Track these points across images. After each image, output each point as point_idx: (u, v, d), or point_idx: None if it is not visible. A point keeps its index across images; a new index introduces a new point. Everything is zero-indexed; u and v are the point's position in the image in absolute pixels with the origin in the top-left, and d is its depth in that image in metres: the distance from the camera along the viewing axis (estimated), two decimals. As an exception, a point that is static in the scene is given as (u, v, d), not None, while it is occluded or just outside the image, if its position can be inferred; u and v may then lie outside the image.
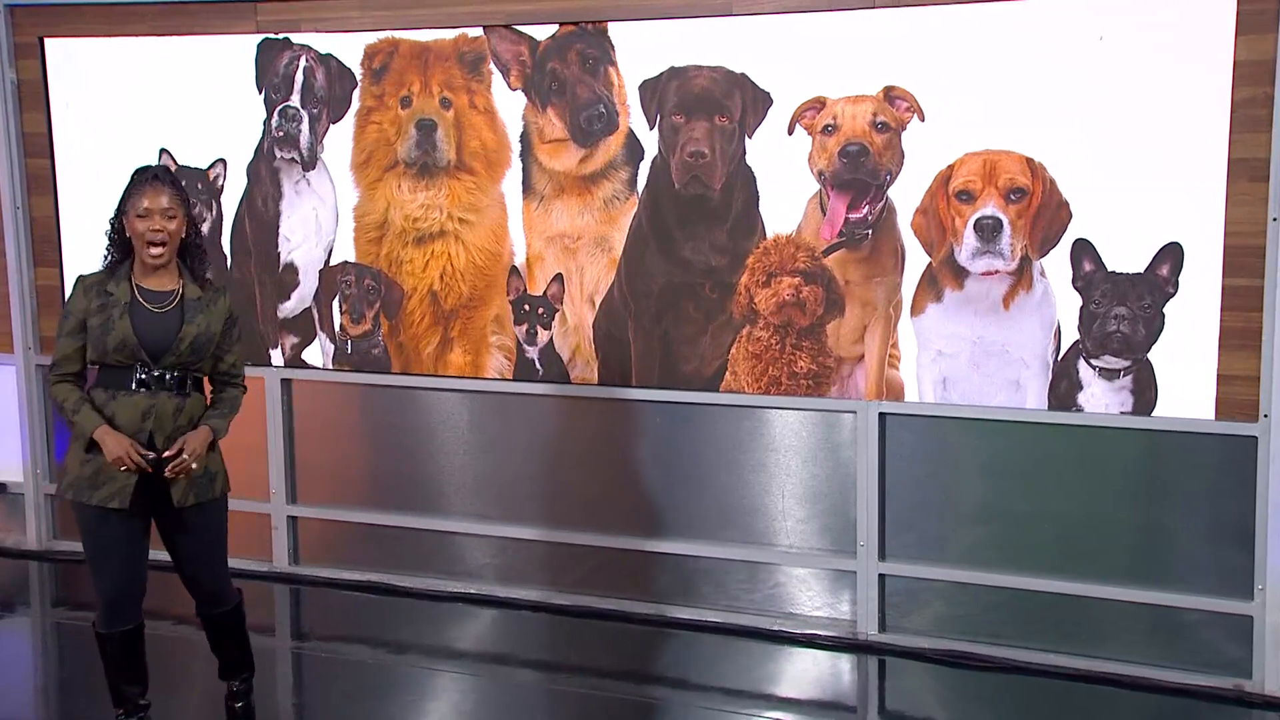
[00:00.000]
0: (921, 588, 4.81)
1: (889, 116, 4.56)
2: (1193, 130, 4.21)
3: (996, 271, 4.50)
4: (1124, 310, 4.36)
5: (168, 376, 3.74)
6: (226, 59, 5.39)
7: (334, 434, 5.60)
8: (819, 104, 4.64)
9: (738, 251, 4.82)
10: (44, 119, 5.68)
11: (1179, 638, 4.47)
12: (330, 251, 5.41)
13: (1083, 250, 4.40)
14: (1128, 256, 4.35)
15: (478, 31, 5.05)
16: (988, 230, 4.47)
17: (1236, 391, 4.28)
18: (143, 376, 3.72)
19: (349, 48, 5.24)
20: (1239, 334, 4.25)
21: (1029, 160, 4.41)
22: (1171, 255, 4.30)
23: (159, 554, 3.87)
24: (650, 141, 4.87)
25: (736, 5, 4.69)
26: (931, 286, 4.61)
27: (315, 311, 5.47)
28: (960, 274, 4.55)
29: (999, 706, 4.46)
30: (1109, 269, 4.38)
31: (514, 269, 5.15)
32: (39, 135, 5.70)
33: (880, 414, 4.73)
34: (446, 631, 5.13)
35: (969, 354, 4.59)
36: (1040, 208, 4.41)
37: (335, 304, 5.43)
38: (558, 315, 5.12)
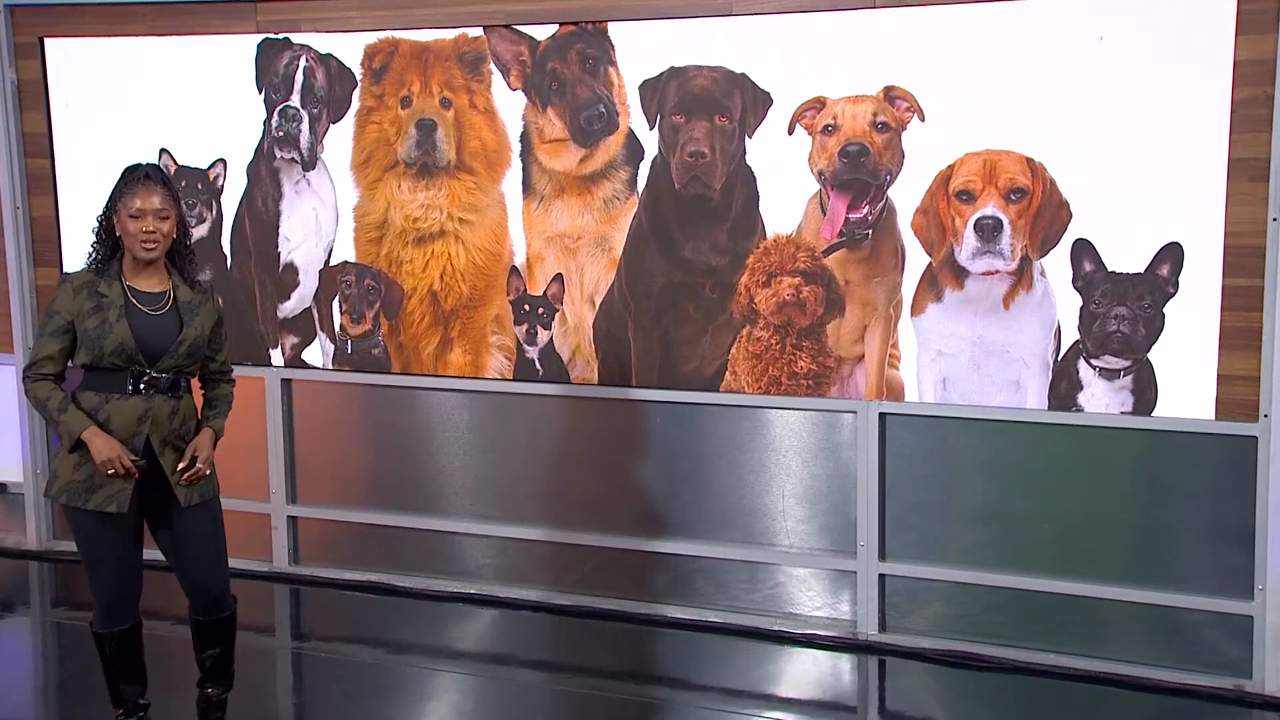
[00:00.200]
0: (922, 588, 4.81)
1: (889, 116, 4.56)
2: (1193, 130, 4.21)
3: (997, 271, 4.50)
4: (1124, 310, 4.36)
5: (163, 379, 3.70)
6: (226, 59, 5.39)
7: (334, 434, 5.60)
8: (819, 104, 4.64)
9: (738, 251, 4.82)
10: (44, 119, 5.68)
11: (1179, 638, 4.47)
12: (330, 251, 5.41)
13: (1083, 250, 4.40)
14: (1128, 256, 4.35)
15: (478, 31, 5.05)
16: (988, 230, 4.47)
17: (1237, 391, 4.28)
18: (138, 380, 3.68)
19: (349, 48, 5.24)
20: (1239, 334, 4.25)
21: (1029, 160, 4.41)
22: (1172, 255, 4.30)
23: (151, 553, 3.84)
24: (650, 141, 4.87)
25: (737, 5, 4.69)
26: (932, 286, 4.61)
27: (315, 311, 5.47)
28: (960, 274, 4.55)
29: (999, 707, 4.45)
30: (1109, 269, 4.37)
31: (514, 269, 5.15)
32: (39, 135, 5.70)
33: (880, 414, 4.73)
34: (446, 632, 5.13)
35: (969, 354, 4.59)
36: (1040, 208, 4.41)
37: (335, 304, 5.43)
38: (558, 315, 5.12)
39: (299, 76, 5.32)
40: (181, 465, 3.71)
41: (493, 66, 5.05)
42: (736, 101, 4.73)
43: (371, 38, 5.19)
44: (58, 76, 5.64)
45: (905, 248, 4.62)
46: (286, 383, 5.57)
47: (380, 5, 5.16)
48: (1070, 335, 4.45)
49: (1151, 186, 4.28)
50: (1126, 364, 4.40)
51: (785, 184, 4.72)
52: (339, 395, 5.55)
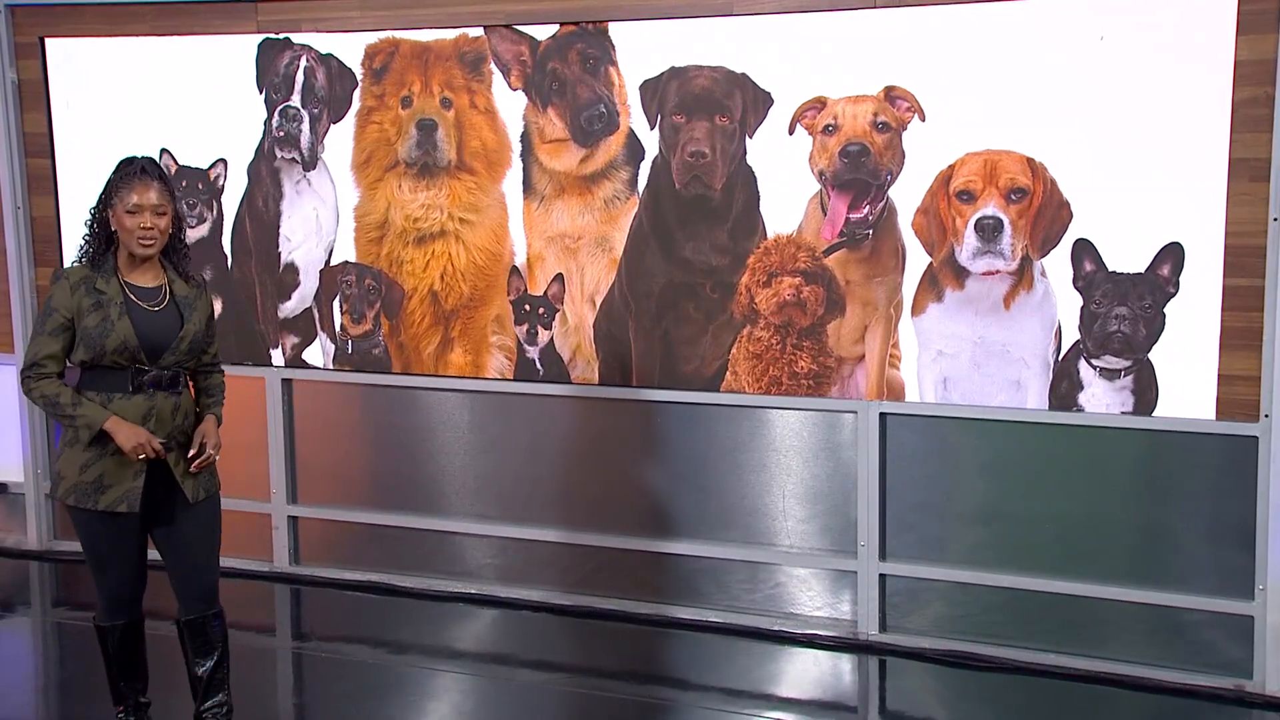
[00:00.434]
0: (922, 588, 4.81)
1: (890, 116, 4.56)
2: (1193, 130, 4.20)
3: (997, 271, 4.50)
4: (1125, 310, 4.36)
5: (164, 376, 3.67)
6: (227, 59, 5.39)
7: (334, 434, 5.60)
8: (820, 104, 4.63)
9: (738, 251, 4.82)
10: (45, 119, 5.68)
11: (1180, 638, 4.47)
12: (331, 251, 5.41)
13: (1083, 250, 4.39)
14: (1128, 256, 4.35)
15: (478, 31, 5.05)
16: (988, 230, 4.47)
17: (1237, 391, 4.28)
18: (140, 378, 3.64)
19: (349, 48, 5.24)
20: (1240, 334, 4.25)
21: (1030, 160, 4.41)
22: (1172, 255, 4.30)
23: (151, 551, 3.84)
24: (651, 141, 4.87)
25: (737, 5, 4.69)
26: (932, 286, 4.61)
27: (316, 311, 5.47)
28: (961, 274, 4.55)
29: (1000, 707, 4.45)
30: (1110, 269, 4.37)
31: (514, 269, 5.15)
32: (39, 135, 5.70)
33: (881, 414, 4.73)
34: (447, 631, 5.13)
35: (970, 354, 4.59)
36: (1041, 208, 4.41)
37: (336, 304, 5.43)
38: (558, 315, 5.12)
39: (299, 76, 5.32)
40: (191, 453, 3.69)
41: (493, 66, 5.05)
42: (737, 101, 4.73)
43: (372, 38, 5.20)
44: (58, 76, 5.64)
45: (906, 248, 4.62)
46: (287, 383, 5.57)
47: (381, 5, 5.16)
48: (1071, 335, 4.45)
49: (1152, 186, 4.28)
50: (1127, 364, 4.40)
51: (786, 184, 4.72)
52: (339, 395, 5.55)
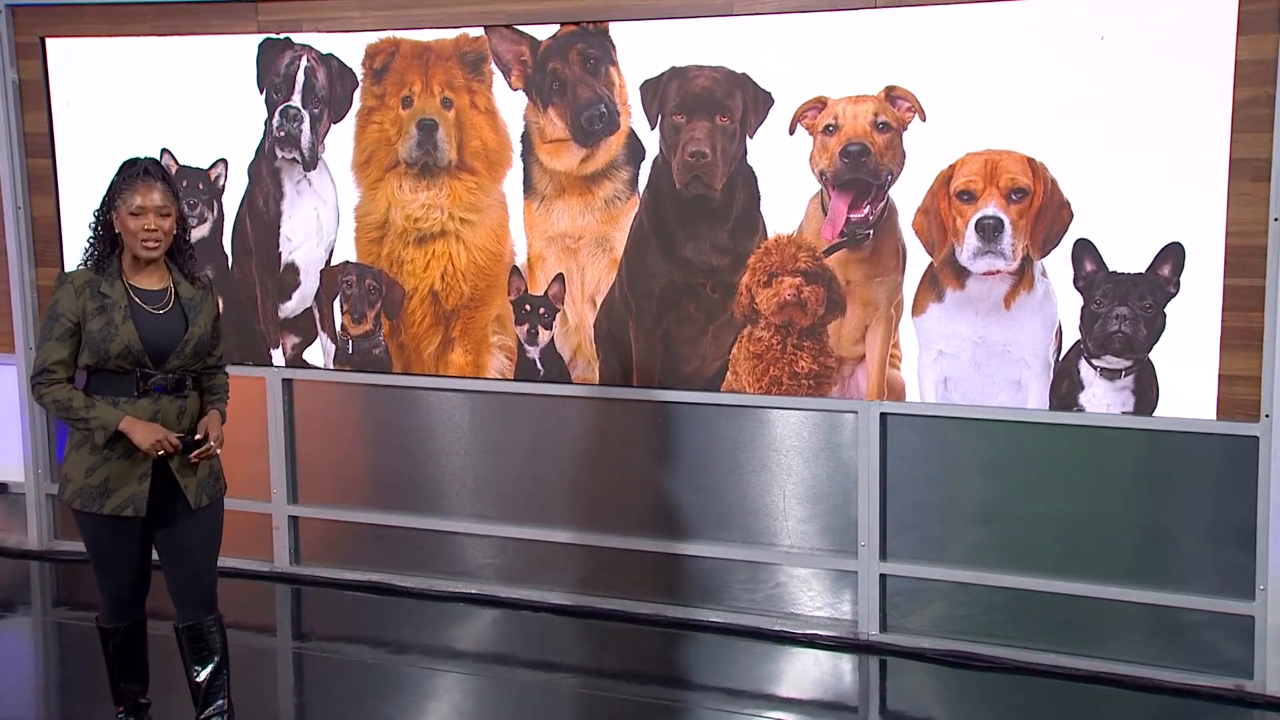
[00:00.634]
0: (923, 588, 4.81)
1: (890, 116, 4.56)
2: (1194, 130, 4.20)
3: (998, 271, 4.50)
4: (1125, 310, 4.36)
5: (170, 380, 3.65)
6: (227, 59, 5.39)
7: (335, 434, 5.60)
8: (820, 104, 4.63)
9: (739, 251, 4.82)
10: (45, 119, 5.68)
11: (1180, 638, 4.47)
12: (331, 251, 5.41)
13: (1084, 250, 4.39)
14: (1129, 256, 4.35)
15: (479, 31, 5.05)
16: (989, 230, 4.47)
17: (1238, 391, 4.28)
18: (145, 382, 3.62)
19: (350, 48, 5.24)
20: (1240, 334, 4.25)
21: (1030, 160, 4.41)
22: (1173, 255, 4.30)
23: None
24: (651, 141, 4.87)
25: (738, 5, 4.69)
26: (933, 286, 4.61)
27: (316, 311, 5.47)
28: (961, 274, 4.55)
29: (1000, 707, 4.45)
30: (1110, 269, 4.37)
31: (515, 269, 5.15)
32: (40, 135, 5.70)
33: (881, 414, 4.73)
34: (447, 631, 5.13)
35: (970, 354, 4.59)
36: (1041, 208, 4.41)
37: (336, 304, 5.43)
38: (559, 315, 5.12)
39: (300, 76, 5.32)
40: (198, 437, 3.64)
41: (494, 66, 5.05)
42: (738, 101, 4.73)
43: (372, 38, 5.20)
44: (59, 76, 5.64)
45: (906, 248, 4.62)
46: (288, 383, 5.57)
47: (381, 5, 5.16)
48: (1071, 335, 4.45)
49: (1153, 186, 4.28)
50: (1128, 364, 4.39)
51: (786, 184, 4.72)
52: (340, 395, 5.55)
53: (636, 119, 4.88)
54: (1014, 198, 4.44)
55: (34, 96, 5.68)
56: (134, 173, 3.61)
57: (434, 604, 5.32)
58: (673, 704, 4.47)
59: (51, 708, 4.52)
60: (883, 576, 4.82)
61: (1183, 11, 4.16)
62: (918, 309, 4.63)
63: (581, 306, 5.08)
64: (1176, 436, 4.40)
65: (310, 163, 5.37)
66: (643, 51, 4.83)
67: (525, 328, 5.17)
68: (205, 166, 5.51)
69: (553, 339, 5.14)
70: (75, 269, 3.72)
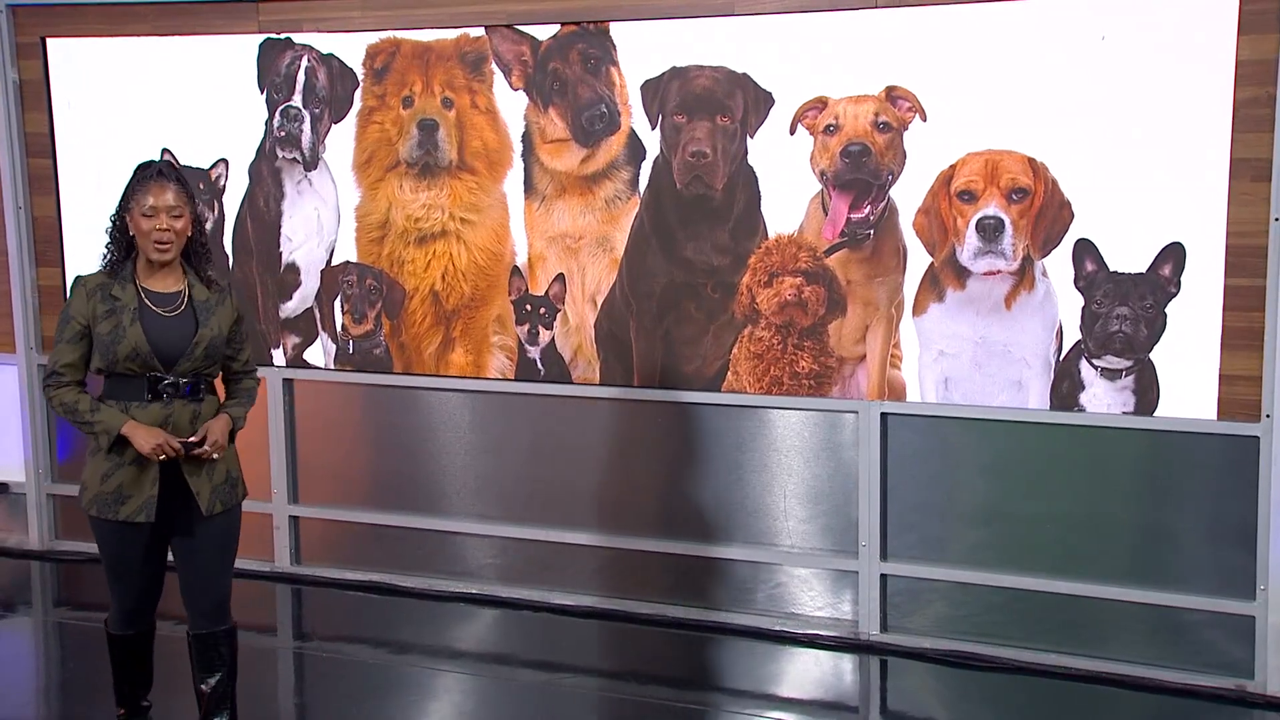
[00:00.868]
0: (923, 588, 4.81)
1: (891, 116, 4.56)
2: (1195, 130, 4.20)
3: (998, 271, 4.50)
4: (1126, 310, 4.36)
5: (181, 384, 3.61)
6: (228, 59, 5.39)
7: (336, 434, 5.60)
8: (821, 104, 4.63)
9: (739, 251, 4.82)
10: (46, 119, 5.68)
11: (1181, 638, 4.46)
12: (332, 251, 5.41)
13: (1085, 250, 4.39)
14: (1130, 256, 4.35)
15: (479, 31, 5.05)
16: (990, 230, 4.47)
17: (1239, 392, 4.28)
18: (156, 386, 3.58)
19: (351, 48, 5.24)
20: (1241, 334, 4.25)
21: (1031, 160, 4.41)
22: (1174, 255, 4.30)
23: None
24: (652, 141, 4.87)
25: (738, 5, 4.69)
26: (933, 286, 4.61)
27: (317, 311, 5.47)
28: (962, 274, 4.55)
29: (1001, 707, 4.45)
30: (1111, 269, 4.37)
31: (516, 269, 5.15)
32: (41, 135, 5.70)
33: (882, 414, 4.73)
34: (448, 631, 5.13)
35: (971, 354, 4.59)
36: (1042, 208, 4.41)
37: (337, 304, 5.43)
38: (559, 315, 5.12)
39: (301, 76, 5.32)
40: (194, 439, 3.58)
41: (494, 66, 5.05)
42: (738, 101, 4.73)
43: (373, 38, 5.20)
44: (59, 76, 5.64)
45: (907, 248, 4.62)
46: (288, 382, 5.57)
47: (382, 5, 5.16)
48: (1072, 335, 4.45)
49: (1153, 186, 4.28)
50: (1128, 364, 4.39)
51: (787, 184, 4.72)
52: (341, 395, 5.55)
53: (637, 119, 4.88)
54: (1015, 198, 4.44)
55: (35, 96, 5.68)
56: (148, 174, 3.59)
57: (435, 604, 5.33)
58: (673, 704, 4.47)
59: (52, 708, 4.51)
60: (883, 576, 4.82)
61: (1183, 11, 4.16)
62: (918, 309, 4.63)
63: (582, 306, 5.08)
64: (1177, 436, 4.39)
65: (311, 163, 5.37)
66: (643, 51, 4.83)
67: (526, 328, 5.17)
68: (206, 166, 5.51)
69: (553, 339, 5.14)
70: (90, 273, 3.70)
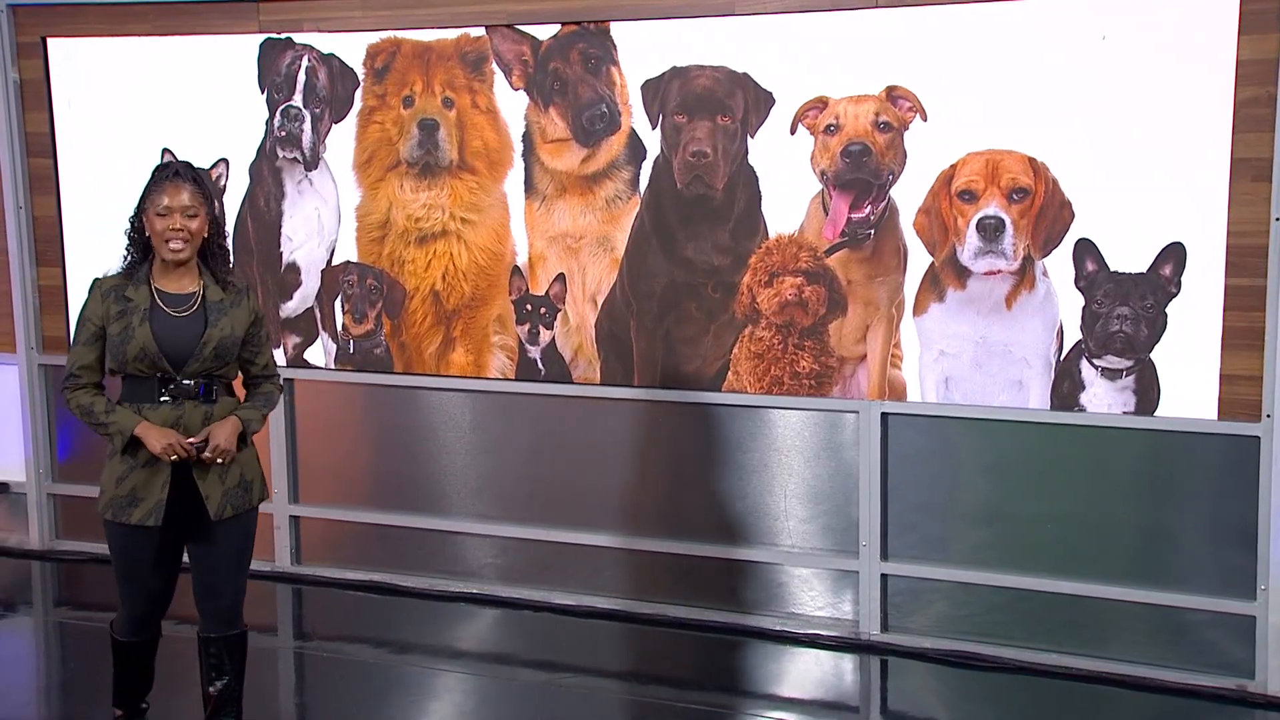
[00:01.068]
0: (924, 588, 4.81)
1: (891, 116, 4.56)
2: (1195, 130, 4.20)
3: (999, 271, 4.50)
4: (1127, 310, 4.36)
5: (191, 385, 3.58)
6: (229, 59, 5.39)
7: (336, 434, 5.60)
8: (821, 104, 4.63)
9: (740, 251, 4.82)
10: (46, 118, 5.68)
11: (1182, 638, 4.46)
12: (332, 251, 5.41)
13: (1085, 250, 4.39)
14: (1130, 256, 4.35)
15: (480, 31, 5.05)
16: (990, 230, 4.46)
17: (1239, 392, 4.28)
18: (166, 387, 3.57)
19: (351, 47, 5.24)
20: (1242, 334, 4.25)
21: (1031, 160, 4.41)
22: (1174, 255, 4.29)
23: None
24: (653, 141, 4.87)
25: (739, 5, 4.68)
26: (934, 286, 4.61)
27: (317, 311, 5.47)
28: (963, 274, 4.54)
29: (1002, 707, 4.45)
30: (1111, 269, 4.37)
31: (516, 269, 5.15)
32: (41, 135, 5.70)
33: (883, 414, 4.73)
34: (448, 631, 5.13)
35: (971, 354, 4.59)
36: (1043, 207, 4.41)
37: (337, 304, 5.43)
38: (560, 315, 5.12)
39: (301, 76, 5.32)
40: (192, 441, 3.55)
41: (495, 66, 5.05)
42: (739, 101, 4.73)
43: (374, 37, 5.19)
44: (60, 76, 5.64)
45: (907, 247, 4.62)
46: (289, 382, 5.56)
47: (382, 5, 5.16)
48: (1073, 335, 4.45)
49: (1154, 186, 4.28)
50: (1129, 364, 4.39)
51: (787, 184, 4.72)
52: (341, 395, 5.55)
53: (638, 119, 4.88)
54: (1015, 197, 4.44)
55: (35, 96, 5.68)
56: (164, 175, 3.59)
57: (435, 604, 5.33)
58: (674, 704, 4.47)
59: (52, 708, 4.51)
60: (884, 576, 4.82)
61: (1184, 11, 4.16)
62: (919, 309, 4.63)
63: (582, 306, 5.08)
64: (1178, 436, 4.39)
65: (311, 162, 5.37)
66: (644, 51, 4.83)
67: (526, 327, 5.17)
68: (206, 166, 5.51)
69: (554, 339, 5.14)
70: (108, 275, 3.69)
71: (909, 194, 4.58)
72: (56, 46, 5.62)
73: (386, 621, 5.19)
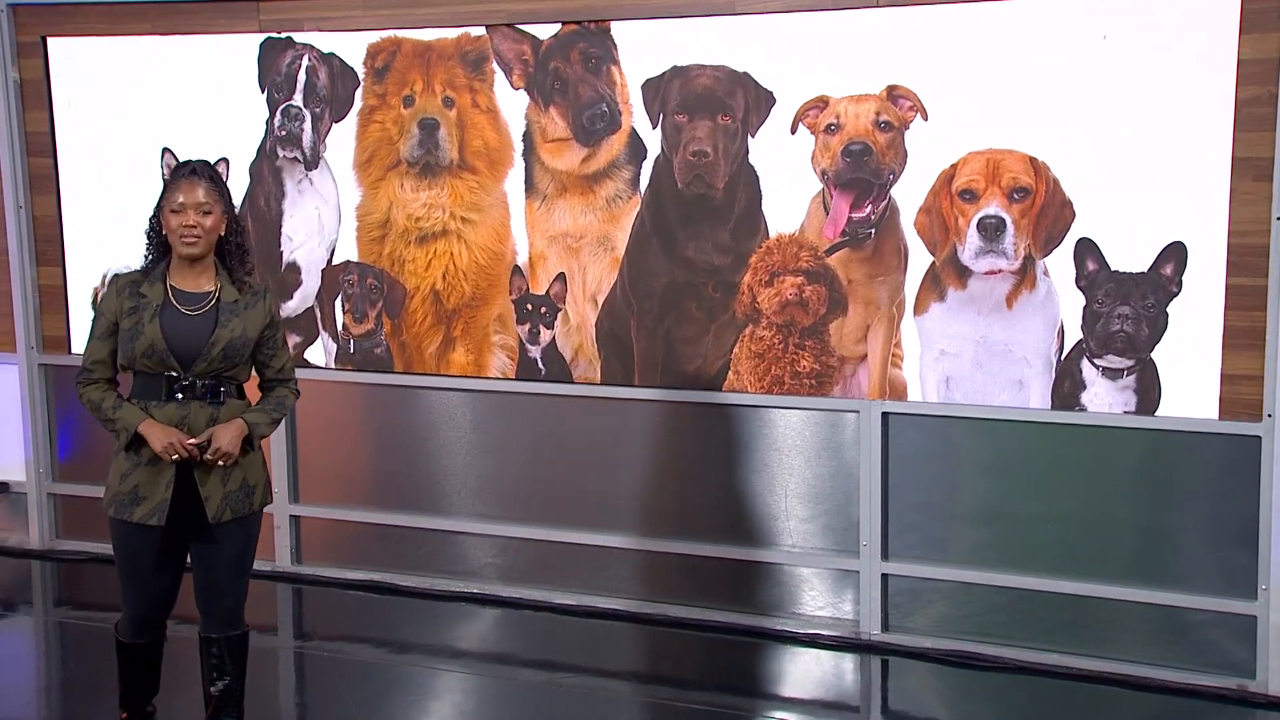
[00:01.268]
0: (925, 587, 4.80)
1: (892, 115, 4.56)
2: (1196, 129, 4.20)
3: (1000, 271, 4.50)
4: (1127, 310, 4.36)
5: (199, 384, 3.56)
6: (229, 58, 5.39)
7: (337, 433, 5.60)
8: (822, 103, 4.63)
9: (740, 251, 4.82)
10: (47, 118, 5.68)
11: (1183, 638, 4.46)
12: (333, 251, 5.41)
13: (1086, 249, 4.39)
14: (1131, 256, 4.34)
15: (480, 30, 5.04)
16: (991, 229, 4.46)
17: (1240, 391, 4.28)
18: (173, 385, 3.54)
19: (351, 47, 5.23)
20: (1243, 333, 4.25)
21: (1032, 159, 4.40)
22: (1175, 254, 4.29)
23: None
24: (653, 141, 4.87)
25: (739, 4, 4.68)
26: (934, 286, 4.60)
27: (318, 311, 5.47)
28: (963, 273, 4.54)
29: (1003, 707, 4.45)
30: (1112, 268, 4.37)
31: (516, 268, 5.15)
32: (41, 134, 5.70)
33: (883, 414, 4.73)
34: (449, 631, 5.13)
35: (972, 353, 4.58)
36: (1044, 207, 4.41)
37: (338, 303, 5.42)
38: (560, 314, 5.11)
39: (301, 75, 5.32)
40: (192, 442, 3.52)
41: (495, 66, 5.05)
42: (739, 101, 4.73)
43: (374, 37, 5.19)
44: (60, 75, 5.64)
45: (908, 247, 4.62)
46: (289, 382, 5.56)
47: (383, 4, 5.16)
48: (1073, 335, 4.44)
49: (1155, 186, 4.28)
50: (1130, 363, 4.39)
51: (788, 183, 4.72)
52: (341, 394, 5.54)
53: (638, 118, 4.88)
54: (1016, 197, 4.43)
55: (35, 95, 5.68)
56: (182, 172, 3.58)
57: (436, 603, 5.32)
58: (674, 703, 4.47)
59: (52, 708, 4.51)
60: (884, 576, 4.82)
61: (1185, 10, 4.16)
62: (919, 308, 4.63)
63: (583, 306, 5.08)
64: (1179, 436, 4.39)
65: (312, 162, 5.37)
66: (644, 50, 4.82)
67: (527, 327, 5.17)
68: (207, 166, 5.50)
69: (554, 338, 5.14)
70: (127, 271, 3.68)
71: (910, 193, 4.58)
72: (57, 46, 5.62)
73: (387, 621, 5.19)
